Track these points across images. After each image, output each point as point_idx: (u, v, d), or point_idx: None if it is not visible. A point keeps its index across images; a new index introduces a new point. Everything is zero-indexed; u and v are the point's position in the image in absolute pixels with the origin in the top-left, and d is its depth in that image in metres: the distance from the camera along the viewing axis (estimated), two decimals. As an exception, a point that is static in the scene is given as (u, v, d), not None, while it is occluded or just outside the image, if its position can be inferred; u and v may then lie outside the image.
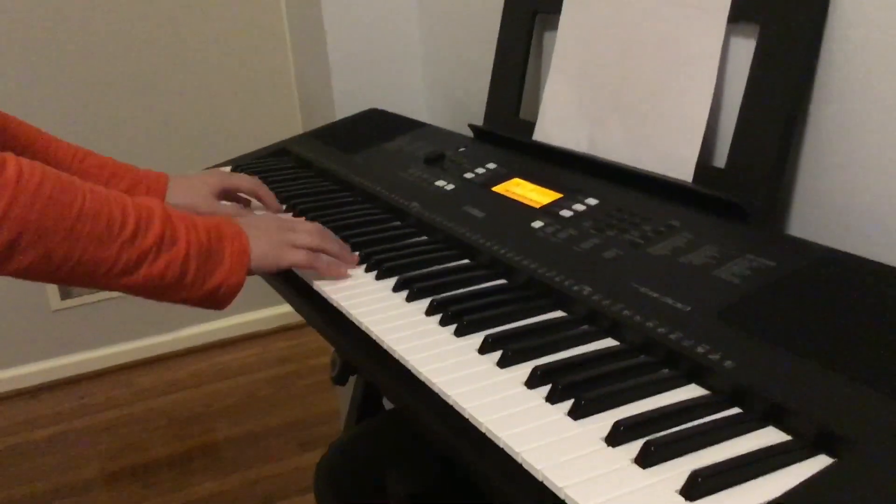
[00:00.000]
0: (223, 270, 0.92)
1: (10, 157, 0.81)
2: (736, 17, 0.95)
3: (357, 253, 1.02)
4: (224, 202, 1.24)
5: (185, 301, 0.92)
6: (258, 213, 1.21)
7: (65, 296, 2.70)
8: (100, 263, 0.85)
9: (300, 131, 1.78)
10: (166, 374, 2.76)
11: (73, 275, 0.84)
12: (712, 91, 0.97)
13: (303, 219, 1.04)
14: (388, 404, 1.51)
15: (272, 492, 2.15)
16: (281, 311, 2.94)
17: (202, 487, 2.19)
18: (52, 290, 2.68)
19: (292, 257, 0.97)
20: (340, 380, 1.43)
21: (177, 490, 2.19)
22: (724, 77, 0.98)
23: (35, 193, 0.80)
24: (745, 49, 0.95)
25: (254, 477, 2.22)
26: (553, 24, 1.27)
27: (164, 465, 2.30)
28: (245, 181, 1.26)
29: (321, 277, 0.99)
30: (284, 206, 1.27)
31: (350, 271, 1.00)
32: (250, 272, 0.95)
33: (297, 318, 2.92)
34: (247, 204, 1.28)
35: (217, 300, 0.93)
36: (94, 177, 1.19)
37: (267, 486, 2.17)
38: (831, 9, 0.86)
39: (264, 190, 1.25)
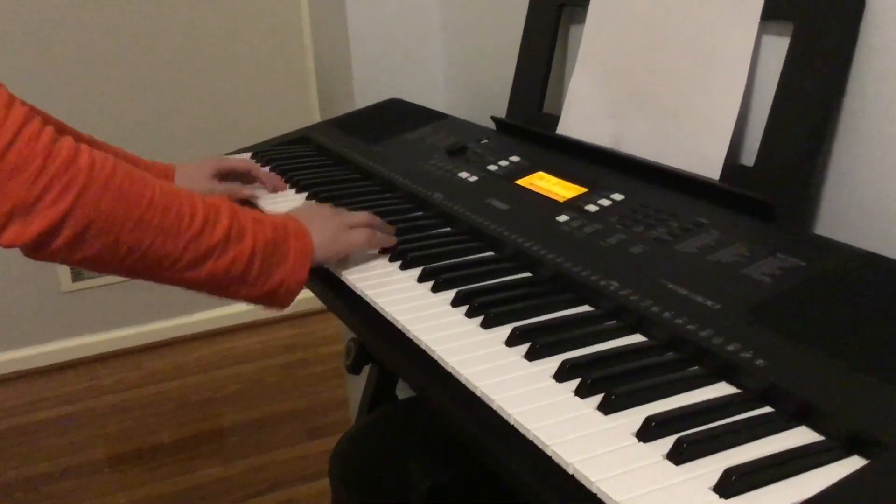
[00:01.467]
0: (287, 267, 0.92)
1: (84, 147, 0.82)
2: (769, 15, 0.95)
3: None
4: (223, 183, 1.30)
5: (247, 297, 0.92)
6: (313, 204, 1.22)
7: (76, 278, 2.71)
8: (166, 256, 0.86)
9: (317, 120, 1.78)
10: (175, 359, 2.76)
11: (138, 266, 0.86)
12: (743, 88, 0.96)
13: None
14: (401, 394, 1.51)
15: (279, 479, 2.16)
16: (289, 298, 2.94)
17: (208, 472, 2.20)
18: (63, 271, 2.69)
19: (353, 238, 0.99)
20: (355, 369, 1.43)
21: (183, 474, 2.19)
22: (755, 74, 0.98)
23: (106, 183, 0.82)
24: (777, 47, 0.95)
25: (260, 464, 2.22)
26: (580, 18, 1.27)
27: (170, 449, 2.31)
28: (239, 162, 1.33)
29: (347, 266, 0.99)
30: (305, 195, 1.27)
31: (375, 262, 1.01)
32: (314, 264, 0.96)
33: (304, 307, 2.92)
34: (248, 182, 1.34)
35: (277, 298, 0.94)
36: None
37: (274, 473, 2.18)
38: (867, 8, 0.86)
39: (257, 169, 1.32)
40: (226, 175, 1.32)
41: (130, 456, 2.29)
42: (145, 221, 0.84)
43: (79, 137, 1.21)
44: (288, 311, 3.10)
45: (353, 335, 1.42)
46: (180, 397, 2.56)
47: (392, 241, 1.02)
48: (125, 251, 0.83)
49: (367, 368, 1.50)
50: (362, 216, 1.02)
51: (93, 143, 1.21)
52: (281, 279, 0.92)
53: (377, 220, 1.04)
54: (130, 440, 2.36)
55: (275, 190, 1.31)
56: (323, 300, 1.03)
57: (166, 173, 1.27)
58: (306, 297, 0.98)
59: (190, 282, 0.89)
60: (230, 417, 2.46)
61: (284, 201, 1.26)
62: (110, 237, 0.82)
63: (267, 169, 1.39)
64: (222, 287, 0.90)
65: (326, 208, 1.03)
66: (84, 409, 2.52)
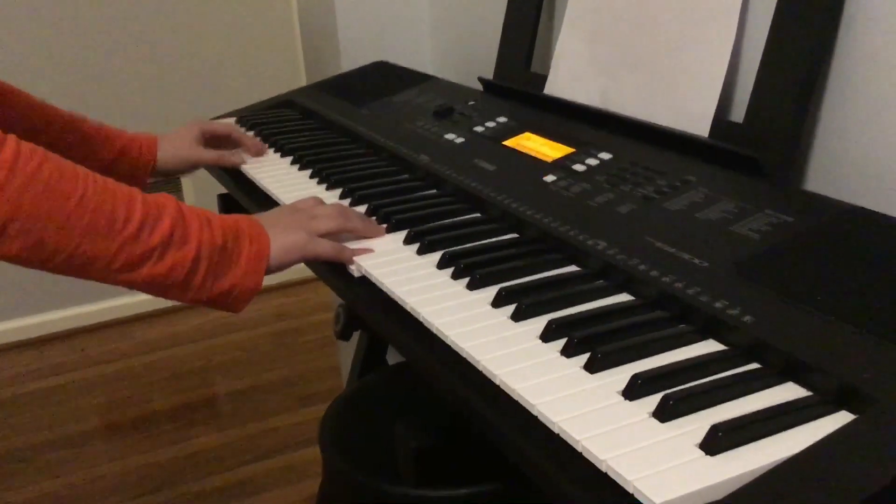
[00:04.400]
0: (237, 272, 0.86)
1: (10, 139, 0.77)
2: (758, -31, 0.93)
3: (384, 225, 0.97)
4: (209, 149, 1.29)
5: (193, 301, 0.87)
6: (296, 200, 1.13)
7: (64, 248, 2.68)
8: (97, 258, 0.80)
9: (304, 84, 1.76)
10: (167, 328, 2.76)
11: (66, 266, 0.80)
12: (732, 44, 0.95)
13: (318, 198, 1.00)
14: (391, 359, 1.51)
15: (272, 446, 2.16)
16: (281, 267, 2.93)
17: (202, 440, 2.20)
18: (51, 242, 2.66)
19: (316, 248, 0.91)
20: (344, 335, 1.42)
21: (176, 443, 2.19)
22: (744, 29, 0.96)
23: (31, 178, 0.76)
24: (766, 1, 0.93)
25: (253, 431, 2.23)
26: (566, -24, 1.25)
27: (163, 417, 2.31)
28: (220, 126, 1.33)
29: None
30: (290, 159, 1.25)
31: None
32: (269, 272, 0.90)
33: (297, 275, 2.91)
34: (231, 147, 1.32)
35: (229, 302, 0.88)
36: (90, 140, 1.20)
37: (267, 440, 2.18)
38: (857, -40, 0.84)
39: (239, 132, 1.32)
40: (210, 139, 1.30)
41: (124, 425, 2.29)
42: (73, 221, 0.78)
43: (58, 114, 1.18)
44: (280, 279, 3.08)
45: (341, 301, 1.42)
46: (173, 366, 2.55)
47: (368, 252, 0.93)
48: (51, 251, 0.78)
49: (357, 335, 1.49)
50: (333, 222, 0.94)
51: (44, 109, 1.18)
52: (231, 285, 0.86)
53: (350, 213, 0.96)
54: (123, 410, 2.36)
55: (258, 154, 1.29)
56: (309, 265, 1.01)
57: (150, 142, 1.25)
58: (298, 266, 0.95)
59: (127, 283, 0.83)
60: (223, 386, 2.46)
61: (270, 166, 1.24)
62: (32, 237, 0.77)
63: (251, 134, 1.37)
64: (163, 290, 0.85)
65: (294, 213, 0.95)
66: (75, 379, 2.51)
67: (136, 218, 0.81)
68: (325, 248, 0.91)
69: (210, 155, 1.28)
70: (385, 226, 0.97)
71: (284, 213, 0.96)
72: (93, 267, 0.81)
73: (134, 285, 0.84)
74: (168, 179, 1.98)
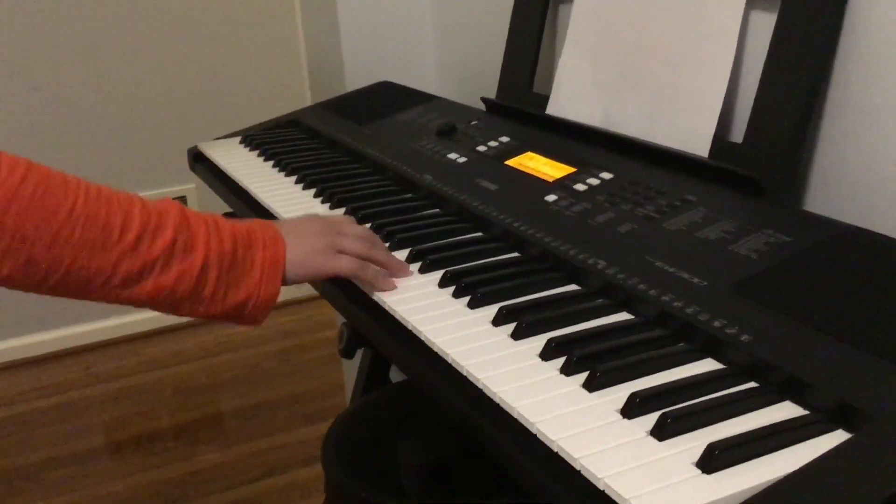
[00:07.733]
0: (251, 282, 0.81)
1: None
2: (756, -10, 0.94)
3: (411, 266, 0.91)
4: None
5: (208, 315, 0.82)
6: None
7: (71, 266, 2.69)
8: (95, 274, 0.75)
9: (308, 103, 1.77)
10: (172, 346, 2.76)
11: (64, 286, 0.75)
12: (731, 65, 0.96)
13: (350, 218, 0.97)
14: (395, 377, 1.51)
15: (276, 463, 2.16)
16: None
17: (207, 458, 2.20)
18: (58, 259, 2.67)
19: (336, 264, 0.86)
20: (348, 353, 1.43)
21: (181, 460, 2.19)
22: (743, 50, 0.97)
23: (14, 193, 0.71)
24: (765, 22, 0.94)
25: (258, 448, 2.23)
26: (568, -3, 1.26)
27: (169, 435, 2.31)
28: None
29: None
30: (295, 178, 1.26)
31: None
32: (286, 282, 0.84)
33: (301, 293, 2.92)
34: None
35: (245, 315, 0.83)
36: None
37: (271, 458, 2.18)
38: (854, -18, 0.85)
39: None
40: None
41: (128, 443, 2.29)
42: (63, 236, 0.73)
43: None
44: (285, 297, 3.11)
45: (345, 320, 1.42)
46: (178, 384, 2.56)
47: (390, 285, 0.86)
48: (43, 270, 0.73)
49: (360, 353, 1.50)
50: (359, 244, 0.88)
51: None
52: (246, 295, 0.81)
53: (378, 243, 0.91)
54: (128, 427, 2.36)
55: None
56: (312, 284, 1.02)
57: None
58: (301, 284, 0.93)
59: (132, 300, 0.78)
60: (228, 403, 2.46)
61: (275, 185, 1.25)
62: (21, 256, 0.72)
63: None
64: (173, 305, 0.80)
65: (320, 223, 0.90)
66: (81, 397, 2.51)
67: (134, 227, 0.76)
68: (345, 264, 0.86)
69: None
70: (410, 265, 0.91)
71: (308, 221, 0.91)
72: (92, 284, 0.76)
73: (139, 302, 0.79)
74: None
